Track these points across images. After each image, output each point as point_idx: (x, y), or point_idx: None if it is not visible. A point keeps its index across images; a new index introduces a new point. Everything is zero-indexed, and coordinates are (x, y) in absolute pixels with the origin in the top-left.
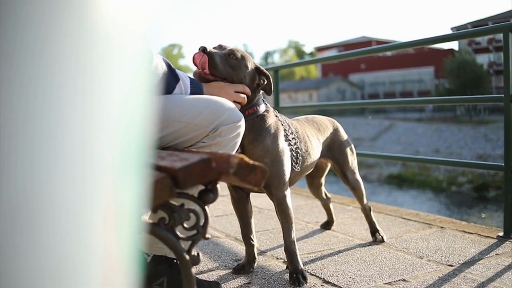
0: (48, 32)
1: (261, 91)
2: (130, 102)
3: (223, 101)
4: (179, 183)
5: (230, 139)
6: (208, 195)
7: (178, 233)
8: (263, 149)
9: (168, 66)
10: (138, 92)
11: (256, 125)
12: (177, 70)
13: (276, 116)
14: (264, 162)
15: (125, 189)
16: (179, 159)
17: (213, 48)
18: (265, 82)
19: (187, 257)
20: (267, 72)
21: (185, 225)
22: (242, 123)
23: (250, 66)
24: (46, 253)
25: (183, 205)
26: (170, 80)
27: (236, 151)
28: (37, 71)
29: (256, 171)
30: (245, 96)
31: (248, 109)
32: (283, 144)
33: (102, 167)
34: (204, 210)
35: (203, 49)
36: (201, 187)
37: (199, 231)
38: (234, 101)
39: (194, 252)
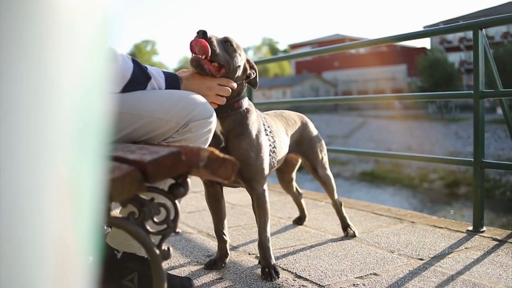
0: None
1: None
2: (87, 89)
3: (194, 97)
4: (149, 177)
5: (201, 135)
6: (178, 189)
7: (148, 227)
8: (249, 143)
9: (137, 65)
10: (95, 79)
11: (242, 119)
12: (149, 68)
13: (256, 111)
14: (250, 156)
15: (81, 176)
16: (149, 152)
17: None
18: (254, 75)
19: (157, 251)
20: (255, 65)
21: (155, 219)
22: (214, 119)
23: (243, 56)
24: None
25: (153, 199)
26: (140, 79)
27: (219, 145)
28: None
29: (226, 164)
30: (230, 89)
31: (236, 102)
32: (265, 139)
33: (56, 153)
34: (175, 204)
35: (203, 33)
36: (172, 181)
37: (170, 226)
38: (218, 94)
39: (164, 247)
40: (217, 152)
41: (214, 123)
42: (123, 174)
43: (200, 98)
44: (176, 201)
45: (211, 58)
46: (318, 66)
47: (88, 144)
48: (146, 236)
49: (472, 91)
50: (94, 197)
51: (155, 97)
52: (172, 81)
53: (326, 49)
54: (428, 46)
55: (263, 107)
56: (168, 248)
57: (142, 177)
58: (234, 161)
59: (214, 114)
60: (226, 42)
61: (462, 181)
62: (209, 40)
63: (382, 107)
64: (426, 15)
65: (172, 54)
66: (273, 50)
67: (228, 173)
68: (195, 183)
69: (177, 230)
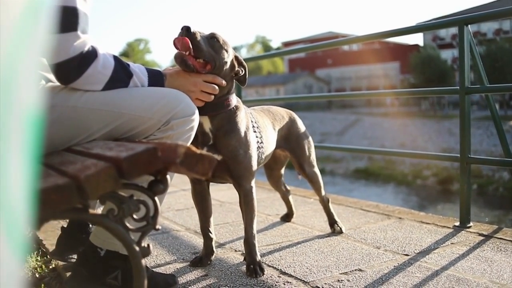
0: None
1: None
2: (11, 82)
3: (177, 94)
4: (124, 173)
5: (183, 133)
6: (158, 186)
7: (128, 224)
8: (238, 141)
9: (119, 62)
10: (21, 73)
11: (232, 117)
12: (131, 65)
13: (244, 108)
14: (239, 153)
15: (6, 174)
16: (126, 149)
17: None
18: (243, 73)
19: (137, 248)
20: (244, 62)
21: (135, 216)
22: (196, 116)
23: (231, 53)
24: None
25: (133, 196)
26: (122, 77)
27: (208, 143)
28: None
29: (203, 161)
30: (216, 86)
31: (226, 100)
32: (253, 136)
33: None
34: (154, 201)
35: (186, 29)
36: (151, 178)
37: (149, 222)
38: (203, 91)
39: (144, 244)
40: (193, 148)
41: (196, 121)
42: (98, 170)
43: (182, 96)
44: (156, 198)
45: (195, 54)
46: (311, 64)
47: (13, 140)
48: (126, 233)
49: (458, 87)
50: (22, 195)
51: (136, 94)
52: (156, 78)
53: (318, 45)
54: (421, 43)
55: (257, 104)
56: (148, 245)
57: (117, 173)
58: (211, 157)
59: (197, 112)
60: (212, 38)
61: (455, 178)
62: (192, 36)
63: (376, 104)
64: (423, 13)
65: (165, 52)
66: (266, 48)
67: (206, 170)
68: (185, 181)
69: (157, 226)
